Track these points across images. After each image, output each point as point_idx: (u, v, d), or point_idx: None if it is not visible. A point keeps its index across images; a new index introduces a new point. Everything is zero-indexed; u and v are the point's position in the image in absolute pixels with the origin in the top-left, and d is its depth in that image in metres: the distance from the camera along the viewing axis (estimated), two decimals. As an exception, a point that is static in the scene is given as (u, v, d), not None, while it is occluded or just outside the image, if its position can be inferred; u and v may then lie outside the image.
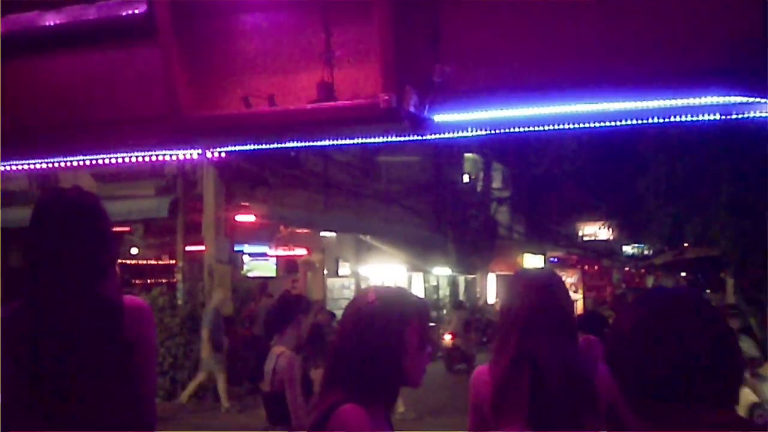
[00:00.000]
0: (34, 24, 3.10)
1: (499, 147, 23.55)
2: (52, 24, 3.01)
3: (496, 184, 27.78)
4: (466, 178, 26.26)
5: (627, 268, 30.41)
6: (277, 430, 4.28)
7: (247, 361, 11.82)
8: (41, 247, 2.16)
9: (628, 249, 28.40)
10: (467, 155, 25.44)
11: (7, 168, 3.64)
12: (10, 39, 3.09)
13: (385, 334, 2.01)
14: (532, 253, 28.31)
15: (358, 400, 1.95)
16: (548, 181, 25.42)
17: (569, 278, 24.67)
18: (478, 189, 26.82)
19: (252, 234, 15.00)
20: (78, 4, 3.01)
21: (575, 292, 23.77)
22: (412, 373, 2.05)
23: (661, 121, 3.09)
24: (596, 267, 29.52)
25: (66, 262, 2.10)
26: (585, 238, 29.80)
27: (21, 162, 3.59)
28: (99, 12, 3.04)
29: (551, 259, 29.02)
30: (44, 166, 3.62)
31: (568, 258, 29.39)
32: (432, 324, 20.58)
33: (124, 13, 2.95)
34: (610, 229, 23.60)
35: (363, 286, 16.97)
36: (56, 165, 3.56)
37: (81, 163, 3.50)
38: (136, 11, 2.98)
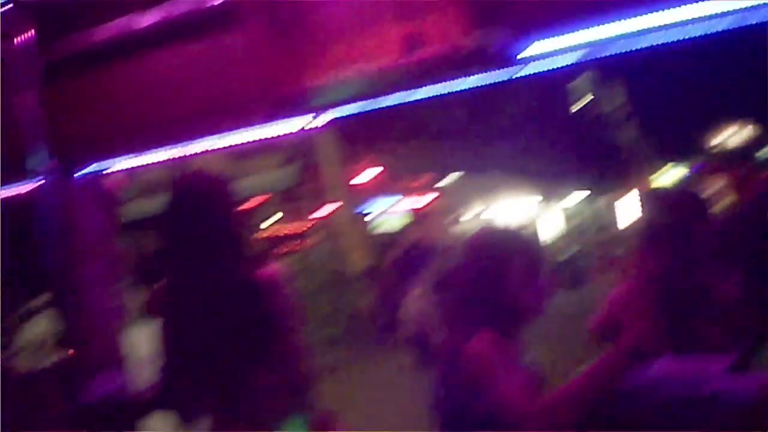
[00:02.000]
0: (129, 27, 3.32)
1: (617, 61, 22.33)
2: (145, 24, 3.23)
3: (621, 99, 26.50)
4: (588, 99, 25.24)
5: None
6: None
7: (387, 313, 12.18)
8: (178, 229, 2.28)
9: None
10: (586, 75, 24.39)
11: (124, 166, 3.94)
12: (110, 44, 3.33)
13: (489, 271, 2.10)
14: (670, 165, 26.93)
15: (482, 334, 2.03)
16: (678, 87, 23.95)
17: (712, 186, 23.24)
18: (606, 107, 25.72)
19: (378, 189, 15.23)
20: (166, 1, 3.21)
21: (720, 200, 22.43)
22: (527, 307, 2.11)
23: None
24: (741, 170, 27.61)
25: (202, 242, 2.23)
26: (728, 141, 27.93)
27: (136, 156, 3.87)
28: (189, 5, 3.22)
29: (692, 168, 27.45)
30: (158, 159, 3.89)
31: (713, 164, 27.64)
32: (571, 253, 20.29)
33: (210, 3, 3.10)
34: (752, 128, 21.98)
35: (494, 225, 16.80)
36: (169, 158, 3.83)
37: (190, 151, 3.74)
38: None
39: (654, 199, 2.63)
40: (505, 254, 2.11)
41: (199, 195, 2.30)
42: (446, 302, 2.22)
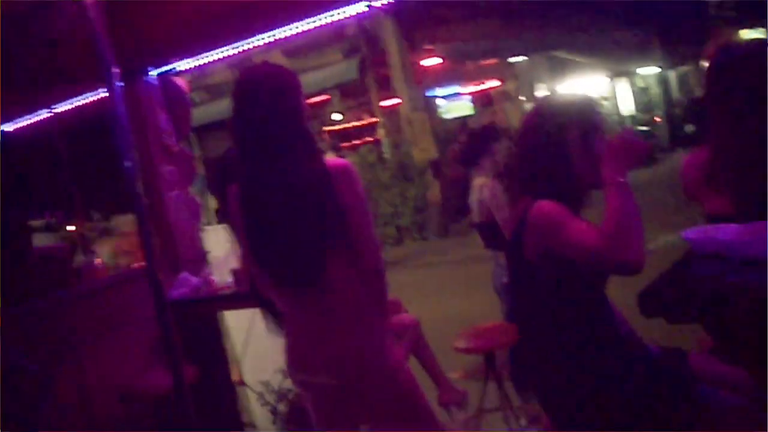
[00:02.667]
0: None
1: None
2: None
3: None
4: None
5: None
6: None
7: (459, 199, 12.21)
8: (246, 126, 2.25)
9: None
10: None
11: (189, 67, 3.92)
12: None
13: (545, 141, 2.14)
14: (749, 28, 25.35)
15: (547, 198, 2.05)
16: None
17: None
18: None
19: (442, 76, 14.93)
20: None
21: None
22: (587, 172, 2.11)
23: None
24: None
25: (272, 137, 2.21)
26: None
27: (199, 56, 3.85)
28: None
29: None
30: (221, 56, 3.85)
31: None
32: (645, 129, 19.70)
33: None
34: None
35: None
36: (227, 54, 3.78)
37: (251, 46, 3.68)
38: None
39: (721, 56, 2.42)
40: (561, 122, 2.12)
41: (265, 90, 2.24)
42: (513, 175, 2.31)
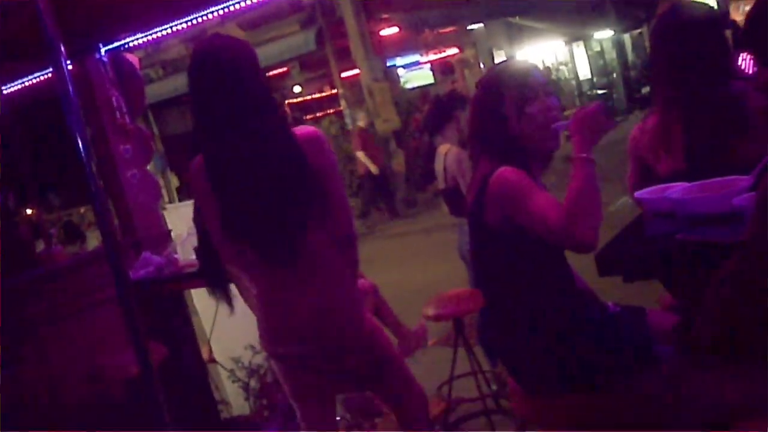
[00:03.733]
0: None
1: None
2: None
3: None
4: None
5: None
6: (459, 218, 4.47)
7: (424, 167, 12.23)
8: (207, 98, 2.21)
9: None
10: None
11: (141, 41, 3.83)
12: None
13: (484, 107, 2.22)
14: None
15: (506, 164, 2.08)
16: None
17: (747, 6, 22.15)
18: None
19: (400, 45, 14.85)
20: None
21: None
22: (531, 136, 2.14)
23: None
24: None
25: (236, 107, 2.17)
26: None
27: (149, 30, 3.76)
28: None
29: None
30: (174, 30, 3.76)
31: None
32: (601, 92, 19.84)
33: None
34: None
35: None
36: (179, 28, 3.70)
37: (209, 17, 3.60)
38: None
39: (666, 17, 2.45)
40: (499, 85, 2.18)
41: (223, 62, 2.20)
42: (470, 142, 2.32)
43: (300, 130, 2.27)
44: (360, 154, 11.84)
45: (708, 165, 2.18)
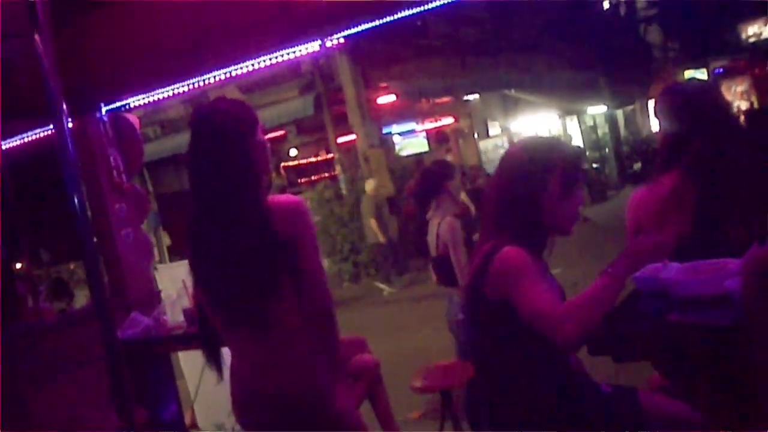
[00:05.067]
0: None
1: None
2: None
3: (640, 2, 25.67)
4: (606, 4, 24.48)
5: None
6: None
7: (415, 236, 12.25)
8: (197, 162, 2.25)
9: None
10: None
11: (142, 102, 3.89)
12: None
13: (526, 180, 2.10)
14: (692, 68, 26.28)
15: (514, 243, 2.05)
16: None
17: (739, 87, 22.74)
18: (622, 12, 24.96)
19: (397, 113, 15.10)
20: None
21: (747, 99, 21.94)
22: (558, 219, 2.12)
23: None
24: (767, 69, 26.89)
25: (221, 174, 2.19)
26: (750, 40, 27.08)
27: (150, 91, 3.82)
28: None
29: (715, 70, 26.79)
30: (175, 92, 3.83)
31: (735, 65, 26.96)
32: (595, 166, 20.14)
33: None
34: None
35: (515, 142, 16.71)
36: (181, 90, 3.76)
37: (206, 82, 3.67)
38: None
39: (670, 94, 2.54)
40: (546, 164, 2.10)
41: (216, 126, 2.24)
42: (484, 210, 2.26)
43: (280, 198, 2.27)
44: (372, 223, 11.79)
45: (715, 235, 2.20)
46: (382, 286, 11.87)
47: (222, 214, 2.20)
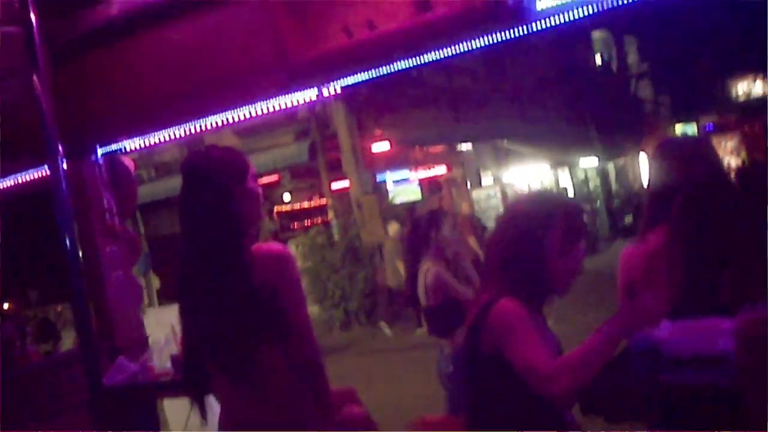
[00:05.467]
0: (136, 2, 3.26)
1: (627, 18, 22.02)
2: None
3: (632, 58, 26.18)
4: (598, 60, 24.94)
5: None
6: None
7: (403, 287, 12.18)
8: (186, 208, 2.29)
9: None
10: (596, 35, 24.08)
11: (138, 146, 3.90)
12: (116, 21, 3.28)
13: (527, 235, 2.10)
14: (683, 123, 26.66)
15: (512, 296, 2.05)
16: (690, 42, 23.54)
17: (729, 143, 23.05)
18: (614, 69, 25.42)
19: (391, 161, 15.19)
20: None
21: (737, 155, 22.20)
22: (559, 274, 2.12)
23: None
24: (757, 126, 27.30)
25: (209, 221, 2.22)
26: (739, 97, 27.56)
27: (149, 136, 3.83)
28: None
29: (706, 126, 27.17)
30: (171, 137, 3.84)
31: (725, 122, 27.37)
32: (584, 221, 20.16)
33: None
34: (766, 80, 21.67)
35: (508, 193, 16.81)
36: (177, 134, 3.77)
37: (202, 126, 3.68)
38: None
39: (662, 150, 2.57)
40: (548, 219, 2.11)
41: (207, 174, 2.27)
42: (485, 268, 2.26)
43: (265, 246, 2.28)
44: (399, 265, 11.64)
45: (706, 289, 2.20)
46: (386, 329, 11.78)
47: (209, 261, 2.21)
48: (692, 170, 2.45)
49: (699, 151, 2.58)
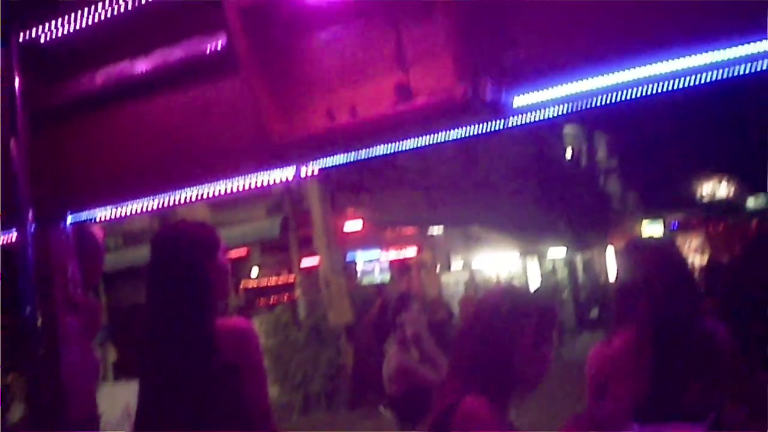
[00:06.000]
0: (126, 73, 3.27)
1: (599, 114, 22.80)
2: (142, 71, 3.17)
3: (602, 153, 26.91)
4: (569, 153, 25.58)
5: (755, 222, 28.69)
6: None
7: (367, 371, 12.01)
8: (151, 281, 2.31)
9: (752, 202, 26.84)
10: (567, 129, 24.78)
11: (110, 216, 3.85)
12: (97, 92, 3.27)
13: (499, 332, 2.07)
14: (649, 220, 27.25)
15: (476, 393, 2.01)
16: (657, 142, 24.37)
17: (693, 241, 23.55)
18: (583, 163, 26.06)
19: (362, 240, 15.21)
20: (165, 47, 3.16)
21: (701, 254, 22.64)
22: (527, 373, 2.08)
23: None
24: (721, 226, 28.03)
25: (171, 295, 2.25)
26: (704, 197, 28.37)
27: (119, 204, 3.78)
28: (184, 51, 3.16)
29: (671, 224, 27.81)
30: (144, 209, 3.80)
31: (690, 220, 28.07)
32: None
33: (206, 50, 3.05)
34: (730, 182, 22.40)
35: (476, 278, 16.87)
36: (151, 206, 3.74)
37: (177, 200, 3.65)
38: (218, 46, 3.08)
39: (632, 250, 2.61)
40: (522, 320, 2.08)
41: (176, 249, 2.33)
42: (451, 359, 2.23)
43: (228, 322, 2.27)
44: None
45: (674, 394, 2.18)
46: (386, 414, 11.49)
47: (173, 334, 2.20)
48: (658, 274, 2.47)
49: (665, 254, 2.62)
